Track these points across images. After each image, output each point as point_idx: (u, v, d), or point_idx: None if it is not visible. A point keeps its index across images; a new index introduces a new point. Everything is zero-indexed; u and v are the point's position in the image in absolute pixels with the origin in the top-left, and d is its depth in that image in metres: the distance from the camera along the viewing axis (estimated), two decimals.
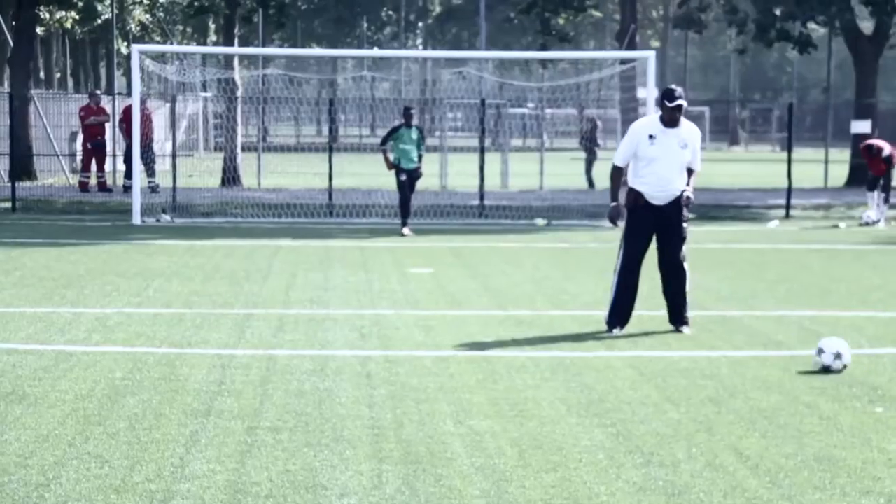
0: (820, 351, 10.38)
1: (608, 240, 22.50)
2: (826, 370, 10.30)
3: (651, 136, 12.29)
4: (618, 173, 12.54)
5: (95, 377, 9.84)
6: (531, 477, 7.26)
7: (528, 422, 8.55)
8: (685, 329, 12.33)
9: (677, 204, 12.29)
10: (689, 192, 12.33)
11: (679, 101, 12.15)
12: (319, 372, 10.16)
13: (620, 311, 12.42)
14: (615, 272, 12.53)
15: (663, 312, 12.73)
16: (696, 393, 9.51)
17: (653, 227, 12.36)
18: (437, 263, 18.07)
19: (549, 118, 46.40)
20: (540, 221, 25.91)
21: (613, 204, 12.56)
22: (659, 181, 12.26)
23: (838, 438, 8.20)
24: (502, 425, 8.44)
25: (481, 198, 27.86)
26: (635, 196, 12.34)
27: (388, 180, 24.93)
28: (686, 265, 12.48)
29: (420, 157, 22.77)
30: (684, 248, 12.46)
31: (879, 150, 26.36)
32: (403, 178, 22.73)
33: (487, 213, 27.18)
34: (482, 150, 28.12)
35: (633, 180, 12.38)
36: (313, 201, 28.15)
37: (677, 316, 12.47)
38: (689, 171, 12.43)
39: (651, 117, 12.76)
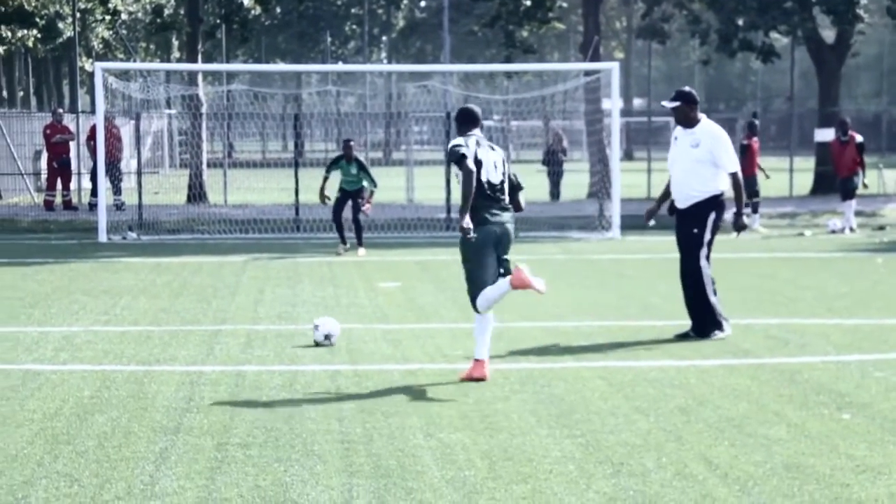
0: (316, 327, 12.11)
1: (574, 251, 22.56)
2: (317, 344, 11.96)
3: (675, 138, 12.52)
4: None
5: (63, 396, 9.80)
6: (502, 489, 7.27)
7: (498, 434, 8.56)
8: (692, 336, 12.40)
9: (695, 208, 12.29)
10: (741, 219, 12.34)
11: (670, 104, 12.37)
12: (289, 387, 10.15)
13: (689, 313, 12.59)
14: None
15: (631, 323, 12.76)
16: (665, 403, 9.54)
17: (681, 231, 12.51)
18: (404, 277, 18.07)
19: (514, 130, 46.49)
20: None
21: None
22: (675, 183, 12.49)
23: (806, 446, 8.24)
24: (472, 438, 8.45)
25: (448, 211, 27.87)
26: (671, 201, 12.65)
27: None
28: (703, 273, 12.34)
29: (372, 188, 21.66)
30: (701, 253, 12.33)
31: (853, 137, 25.97)
32: (339, 195, 21.73)
33: (455, 225, 27.16)
34: (448, 163, 28.11)
35: None
36: (280, 217, 28.10)
37: (695, 325, 12.47)
38: (734, 185, 12.36)
39: None
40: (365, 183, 21.59)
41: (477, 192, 10.36)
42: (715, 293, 12.43)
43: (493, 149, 10.68)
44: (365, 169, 21.77)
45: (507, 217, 10.59)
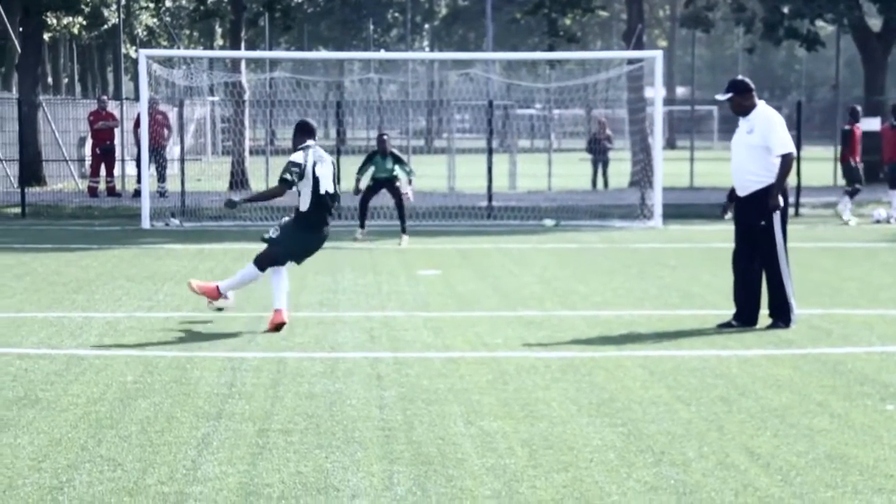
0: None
1: (616, 240, 22.50)
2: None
3: (738, 127, 12.50)
4: None
5: (107, 381, 9.86)
6: (542, 477, 7.27)
7: (539, 422, 8.55)
8: (780, 326, 12.31)
9: (753, 199, 12.23)
10: (772, 200, 12.12)
11: (723, 97, 12.44)
12: (330, 374, 10.18)
13: (735, 301, 12.48)
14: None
15: (673, 312, 12.70)
16: (706, 392, 9.51)
17: (740, 219, 12.45)
18: (445, 265, 18.08)
19: (556, 119, 46.37)
20: (548, 222, 25.89)
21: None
22: (734, 170, 12.47)
23: (849, 436, 8.19)
24: (513, 426, 8.45)
25: (489, 199, 27.85)
26: (732, 188, 12.60)
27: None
28: (780, 263, 12.28)
29: (409, 179, 21.79)
30: (778, 245, 12.27)
31: None
32: (371, 183, 21.75)
33: (496, 214, 27.17)
34: (490, 152, 28.11)
35: None
36: None
37: (771, 310, 12.43)
38: (782, 166, 12.20)
39: None
40: (401, 173, 21.57)
41: (315, 203, 12.19)
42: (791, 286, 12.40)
43: (325, 160, 12.27)
44: (401, 161, 21.77)
45: (328, 230, 12.60)
